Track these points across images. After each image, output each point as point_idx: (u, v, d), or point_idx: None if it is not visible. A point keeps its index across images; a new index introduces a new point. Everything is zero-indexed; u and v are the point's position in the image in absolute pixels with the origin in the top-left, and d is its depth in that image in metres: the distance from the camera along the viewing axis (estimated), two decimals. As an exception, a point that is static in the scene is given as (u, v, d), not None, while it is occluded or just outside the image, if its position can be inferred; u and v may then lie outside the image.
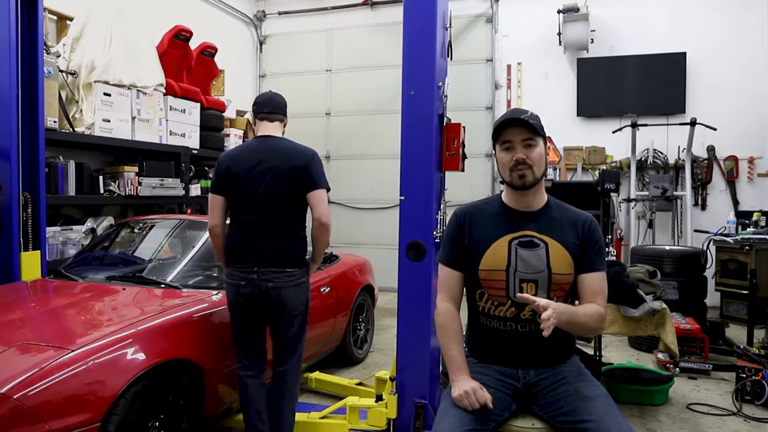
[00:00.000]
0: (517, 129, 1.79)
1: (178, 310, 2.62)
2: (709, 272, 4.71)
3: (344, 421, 2.89)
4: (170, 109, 5.13)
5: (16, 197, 3.48)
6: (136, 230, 3.67)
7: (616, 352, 4.39)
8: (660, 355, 3.84)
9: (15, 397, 1.87)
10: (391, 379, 2.79)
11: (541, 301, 1.62)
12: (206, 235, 3.20)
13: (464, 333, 1.94)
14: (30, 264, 3.53)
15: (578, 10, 6.28)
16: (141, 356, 2.25)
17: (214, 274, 3.11)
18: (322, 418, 2.94)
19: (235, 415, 2.95)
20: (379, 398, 2.86)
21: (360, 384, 3.46)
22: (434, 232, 2.63)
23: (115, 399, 2.10)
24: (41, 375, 1.96)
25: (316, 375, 3.62)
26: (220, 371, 2.66)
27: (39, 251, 3.60)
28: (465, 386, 1.71)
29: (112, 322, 2.46)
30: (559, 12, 6.35)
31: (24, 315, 2.62)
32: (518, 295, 1.71)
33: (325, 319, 3.68)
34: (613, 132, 5.98)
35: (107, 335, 2.26)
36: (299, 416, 2.91)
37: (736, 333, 4.62)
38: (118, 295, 2.84)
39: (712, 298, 5.00)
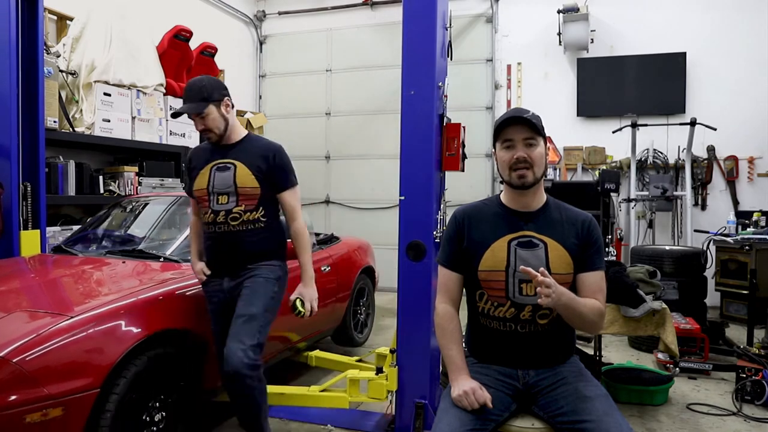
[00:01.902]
0: (518, 128, 1.79)
1: (178, 281, 2.63)
2: (709, 272, 4.71)
3: (344, 394, 2.88)
4: (170, 109, 5.14)
5: (16, 198, 3.49)
6: (132, 208, 3.67)
7: (616, 352, 4.39)
8: (660, 355, 3.84)
9: (14, 360, 1.88)
10: (392, 352, 2.79)
11: (542, 278, 1.62)
12: None
13: (464, 333, 1.95)
14: (29, 243, 3.53)
15: (578, 10, 6.28)
16: (140, 324, 2.25)
17: None
18: (322, 390, 2.94)
19: None
20: (379, 371, 2.85)
21: (360, 361, 3.46)
22: (434, 232, 2.63)
23: (114, 368, 2.09)
24: (40, 340, 1.97)
25: (316, 353, 3.63)
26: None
27: (38, 230, 3.61)
28: (464, 386, 1.71)
29: (111, 291, 2.46)
30: (559, 12, 6.35)
31: (22, 285, 2.63)
32: (520, 267, 1.70)
33: (325, 298, 3.69)
34: (613, 132, 5.98)
35: (106, 303, 2.27)
36: (299, 389, 2.92)
37: (736, 333, 4.62)
38: (117, 268, 2.86)
39: (712, 298, 5.00)
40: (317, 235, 4.32)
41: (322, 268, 3.73)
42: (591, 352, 3.46)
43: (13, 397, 1.85)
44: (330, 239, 4.23)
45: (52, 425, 1.92)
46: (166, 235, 3.33)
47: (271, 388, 3.04)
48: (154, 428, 2.33)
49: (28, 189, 3.58)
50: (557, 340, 1.84)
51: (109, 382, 2.09)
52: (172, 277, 2.67)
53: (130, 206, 3.70)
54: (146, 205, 3.66)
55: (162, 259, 2.97)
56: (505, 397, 1.78)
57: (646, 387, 3.35)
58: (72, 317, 2.11)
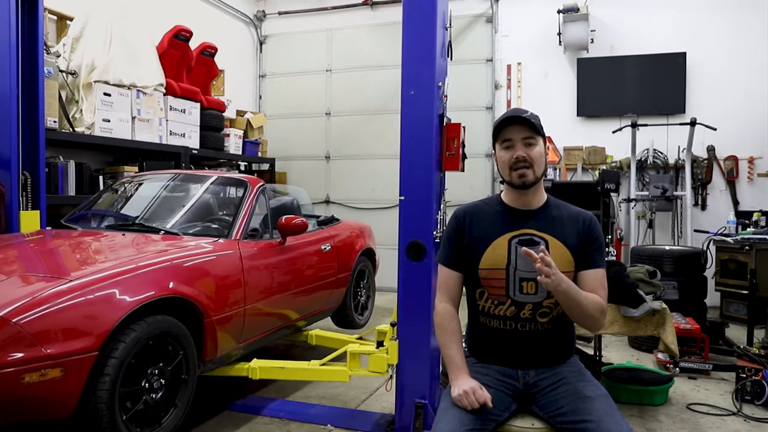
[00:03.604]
0: (517, 127, 1.80)
1: (178, 252, 2.65)
2: (709, 272, 4.71)
3: (344, 368, 2.87)
4: (170, 109, 5.14)
5: (15, 198, 3.49)
6: (128, 188, 3.70)
7: (616, 352, 4.39)
8: (660, 355, 3.84)
9: (14, 320, 1.90)
10: (392, 325, 2.78)
11: (544, 259, 1.62)
12: (204, 186, 3.44)
13: (464, 333, 1.95)
14: (28, 223, 3.53)
15: (578, 10, 6.28)
16: (139, 290, 2.27)
17: (214, 225, 3.14)
18: (322, 365, 2.94)
19: (234, 363, 2.99)
20: (379, 344, 2.85)
21: (360, 338, 3.46)
22: (434, 232, 2.63)
23: (113, 332, 2.10)
24: (39, 301, 1.99)
25: (316, 332, 3.63)
26: (220, 315, 2.67)
27: (38, 211, 3.62)
28: (464, 386, 1.71)
29: (109, 259, 2.49)
30: (559, 12, 6.35)
31: (21, 253, 2.66)
32: (522, 248, 1.70)
33: (325, 277, 3.70)
34: (613, 132, 5.98)
35: (105, 269, 2.29)
36: (299, 363, 2.92)
37: (736, 333, 4.61)
38: (117, 239, 2.89)
39: (712, 298, 5.00)
40: (317, 217, 4.35)
41: (322, 247, 3.74)
42: (591, 352, 3.46)
43: (12, 357, 1.86)
44: (330, 220, 4.27)
45: (51, 386, 1.94)
46: (165, 210, 3.35)
47: (270, 362, 3.06)
48: (154, 395, 2.34)
49: (28, 180, 3.58)
50: (557, 340, 1.84)
51: (107, 346, 2.10)
52: (172, 248, 2.68)
53: (126, 186, 3.72)
54: (143, 183, 3.70)
55: (162, 233, 2.97)
56: (505, 397, 1.78)
57: (646, 387, 3.35)
58: (71, 281, 2.12)
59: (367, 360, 2.85)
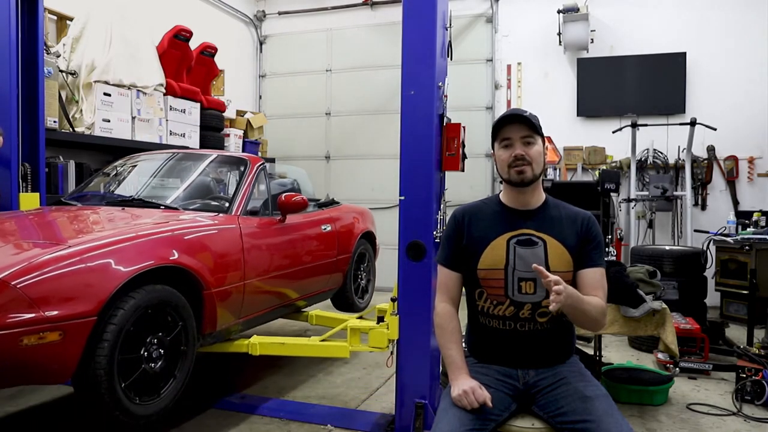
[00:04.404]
0: (516, 126, 1.80)
1: (178, 224, 2.66)
2: (709, 272, 4.71)
3: (344, 343, 2.87)
4: (170, 109, 5.14)
5: (16, 198, 3.49)
6: (126, 169, 3.70)
7: (616, 352, 4.39)
8: (660, 355, 3.84)
9: (13, 283, 1.90)
10: (393, 300, 2.79)
11: (553, 276, 1.62)
12: (204, 164, 3.47)
13: (464, 333, 1.95)
14: (28, 203, 3.54)
15: (578, 10, 6.28)
16: (138, 258, 2.27)
17: (213, 203, 3.17)
18: (322, 341, 2.94)
19: (234, 339, 3.00)
20: (380, 320, 2.84)
21: (360, 318, 3.46)
22: (434, 232, 2.63)
23: (112, 298, 2.11)
24: (39, 265, 2.00)
25: (317, 312, 3.63)
26: (219, 288, 2.68)
27: (38, 193, 3.63)
28: (464, 386, 1.71)
29: (107, 229, 2.51)
30: (559, 12, 6.35)
31: (20, 224, 2.68)
32: (533, 266, 1.68)
33: (325, 257, 3.70)
34: (613, 132, 5.98)
35: (105, 237, 2.30)
36: (299, 339, 2.92)
37: (736, 333, 4.61)
38: (116, 213, 2.90)
39: (712, 298, 5.00)
40: (317, 200, 4.37)
41: (323, 227, 3.76)
42: (591, 352, 3.46)
43: (11, 319, 1.87)
44: (330, 203, 4.31)
45: (50, 350, 1.95)
46: (164, 188, 3.36)
47: (271, 339, 3.06)
48: (153, 365, 2.34)
49: (28, 170, 3.58)
50: (557, 340, 1.84)
51: (106, 312, 2.11)
52: (172, 220, 2.70)
53: (119, 169, 3.73)
54: (140, 163, 3.72)
55: (162, 207, 2.97)
56: (505, 397, 1.78)
57: (646, 387, 3.35)
58: (70, 247, 2.13)
59: (367, 337, 2.84)
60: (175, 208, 2.98)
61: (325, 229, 3.77)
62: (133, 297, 2.21)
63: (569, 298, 1.63)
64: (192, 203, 3.18)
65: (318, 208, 4.09)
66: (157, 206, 3.01)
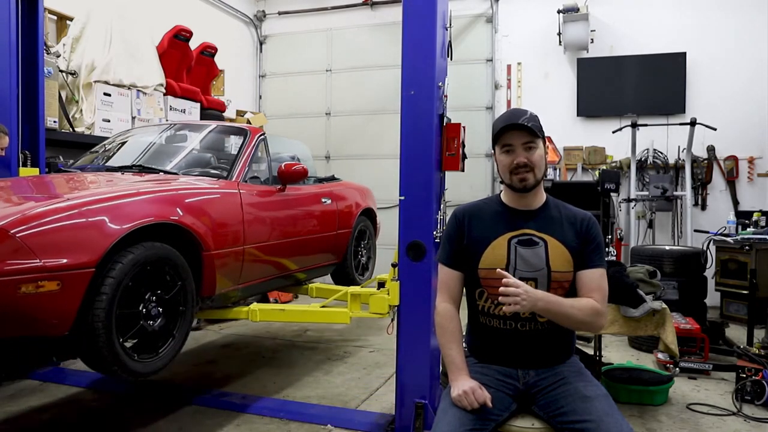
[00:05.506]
0: (517, 132, 1.80)
1: (179, 185, 2.68)
2: (709, 272, 4.71)
3: (345, 310, 2.86)
4: (170, 109, 5.13)
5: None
6: (130, 137, 3.70)
7: (616, 352, 4.39)
8: (660, 355, 3.84)
9: (11, 231, 1.90)
10: (393, 266, 2.79)
11: (512, 279, 1.65)
12: (203, 134, 3.52)
13: (464, 333, 1.94)
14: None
15: (578, 10, 6.28)
16: (139, 214, 2.28)
17: (214, 171, 3.18)
18: (322, 307, 2.94)
19: (232, 306, 3.00)
20: (380, 285, 2.85)
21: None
22: (434, 232, 2.63)
23: (110, 251, 2.11)
24: (38, 215, 2.00)
25: (317, 285, 3.62)
26: (219, 251, 2.68)
27: (38, 168, 3.64)
28: (464, 386, 1.71)
29: (106, 186, 2.52)
30: (559, 12, 6.35)
31: (17, 184, 2.69)
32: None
33: (325, 230, 3.72)
34: (613, 132, 5.98)
35: (104, 192, 2.32)
36: (299, 306, 2.92)
37: (736, 333, 4.61)
38: (116, 176, 2.91)
39: (712, 298, 5.00)
40: (318, 177, 4.39)
41: (323, 200, 3.79)
42: (591, 352, 3.46)
43: (9, 267, 1.87)
44: (331, 178, 4.36)
45: (48, 299, 1.95)
46: (164, 156, 3.36)
47: (271, 306, 3.05)
48: (152, 322, 2.34)
49: (28, 158, 3.59)
50: (557, 340, 1.84)
51: (104, 265, 2.10)
52: (173, 182, 2.72)
53: (126, 137, 3.73)
54: (140, 134, 3.74)
55: (162, 173, 2.99)
56: (505, 397, 1.78)
57: (646, 387, 3.35)
58: (69, 200, 2.15)
59: (368, 305, 2.83)
60: (175, 173, 2.98)
61: (325, 202, 3.79)
62: (132, 252, 2.20)
63: (538, 301, 1.65)
64: (192, 171, 3.19)
65: (319, 182, 4.14)
66: (156, 172, 3.01)
